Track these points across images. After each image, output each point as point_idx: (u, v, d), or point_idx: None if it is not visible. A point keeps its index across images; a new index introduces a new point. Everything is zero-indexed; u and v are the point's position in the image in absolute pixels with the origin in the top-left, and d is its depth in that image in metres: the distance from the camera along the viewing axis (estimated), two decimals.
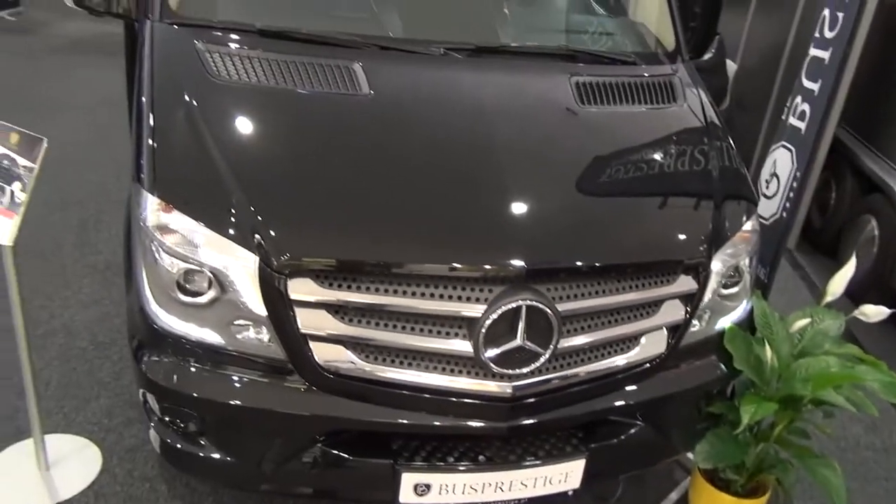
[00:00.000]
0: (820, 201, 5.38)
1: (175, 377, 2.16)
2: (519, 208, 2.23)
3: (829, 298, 2.66)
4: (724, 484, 2.79)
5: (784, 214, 3.05)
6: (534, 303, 2.07)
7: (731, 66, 6.43)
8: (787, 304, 4.37)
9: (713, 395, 2.64)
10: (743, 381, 2.68)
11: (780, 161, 3.09)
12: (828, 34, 2.85)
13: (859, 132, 5.07)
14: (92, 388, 3.21)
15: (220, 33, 2.55)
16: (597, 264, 2.20)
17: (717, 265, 2.44)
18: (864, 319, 2.68)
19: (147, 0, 2.61)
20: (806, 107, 2.94)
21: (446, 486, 2.23)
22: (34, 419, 2.70)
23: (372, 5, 2.84)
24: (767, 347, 2.59)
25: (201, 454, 2.24)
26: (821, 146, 2.91)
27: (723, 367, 2.56)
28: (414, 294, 2.07)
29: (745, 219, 2.59)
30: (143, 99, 2.36)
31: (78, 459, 2.85)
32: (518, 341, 2.09)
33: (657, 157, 2.60)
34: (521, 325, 2.09)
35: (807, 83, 2.94)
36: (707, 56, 3.38)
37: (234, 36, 2.56)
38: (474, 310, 2.08)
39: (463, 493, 2.26)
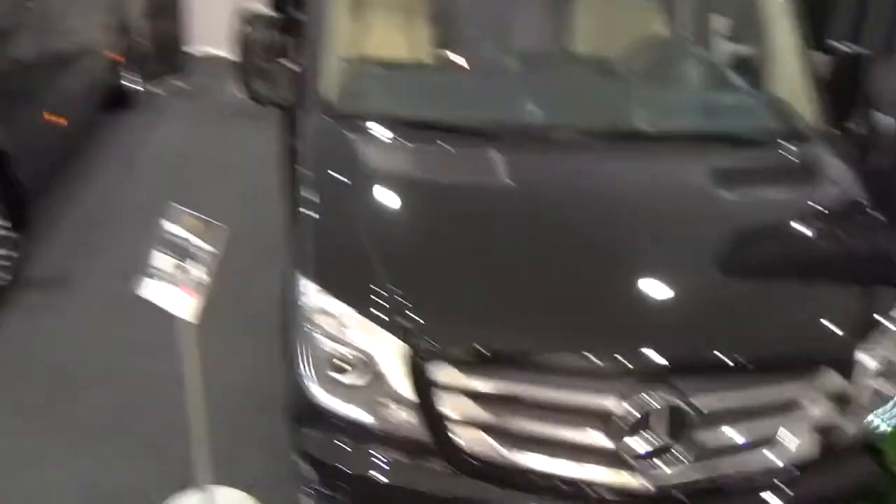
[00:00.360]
0: None
1: (327, 451, 2.33)
2: (657, 301, 2.27)
3: None
4: None
5: None
6: (667, 397, 2.10)
7: None
8: None
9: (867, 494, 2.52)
10: None
11: None
12: None
13: None
14: (252, 445, 3.46)
15: (371, 126, 2.77)
16: (735, 360, 2.19)
17: (865, 359, 2.36)
18: None
19: (305, 94, 2.87)
20: None
21: None
22: (203, 472, 2.96)
23: (512, 91, 2.98)
24: None
25: None
26: None
27: (875, 468, 2.45)
28: (554, 386, 2.15)
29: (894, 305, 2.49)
30: (302, 188, 2.60)
31: None
32: (657, 438, 2.12)
33: (795, 243, 2.58)
34: (660, 421, 2.11)
35: None
36: (854, 125, 3.24)
37: (383, 128, 2.76)
38: (613, 404, 2.13)
39: None
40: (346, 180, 2.56)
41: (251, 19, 2.89)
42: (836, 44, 3.15)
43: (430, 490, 2.26)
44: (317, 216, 2.49)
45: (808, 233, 2.62)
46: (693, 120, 3.06)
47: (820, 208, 2.70)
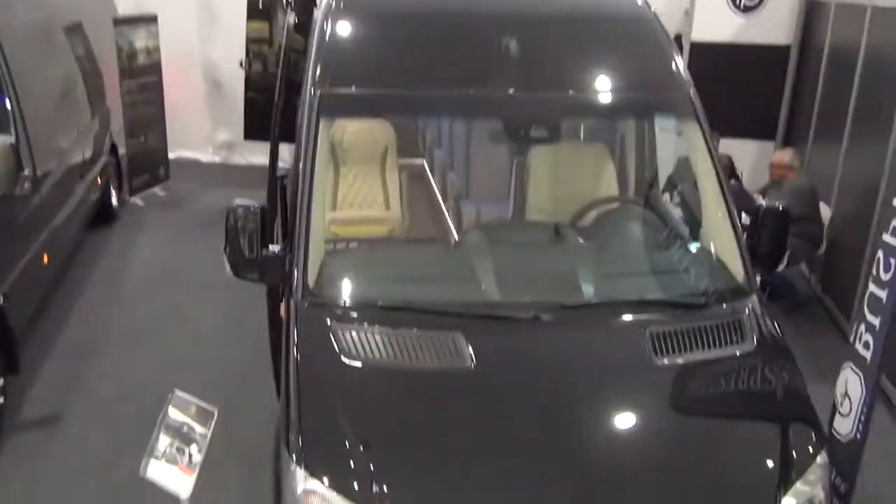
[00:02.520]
0: None
1: None
2: (597, 477, 2.61)
3: None
4: None
5: (858, 436, 3.25)
6: None
7: (826, 212, 6.58)
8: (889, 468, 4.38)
9: None
10: None
11: (851, 383, 3.31)
12: (883, 276, 3.12)
13: None
14: None
15: (349, 312, 3.11)
16: None
17: (788, 502, 2.70)
18: None
19: (289, 280, 3.20)
20: (869, 338, 3.18)
21: None
22: None
23: (476, 272, 3.33)
24: None
25: None
26: (878, 379, 3.13)
27: None
28: None
29: (813, 453, 2.83)
30: (290, 372, 2.91)
31: None
32: None
33: (724, 403, 2.92)
34: None
35: (869, 317, 3.19)
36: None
37: (359, 314, 3.10)
38: None
39: None
40: (327, 370, 2.88)
41: (239, 210, 3.23)
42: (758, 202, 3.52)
43: None
44: (304, 404, 2.80)
45: (734, 389, 2.97)
46: (636, 288, 3.38)
47: (744, 365, 3.04)
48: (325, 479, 2.59)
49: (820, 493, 2.78)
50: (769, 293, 6.60)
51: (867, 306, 3.21)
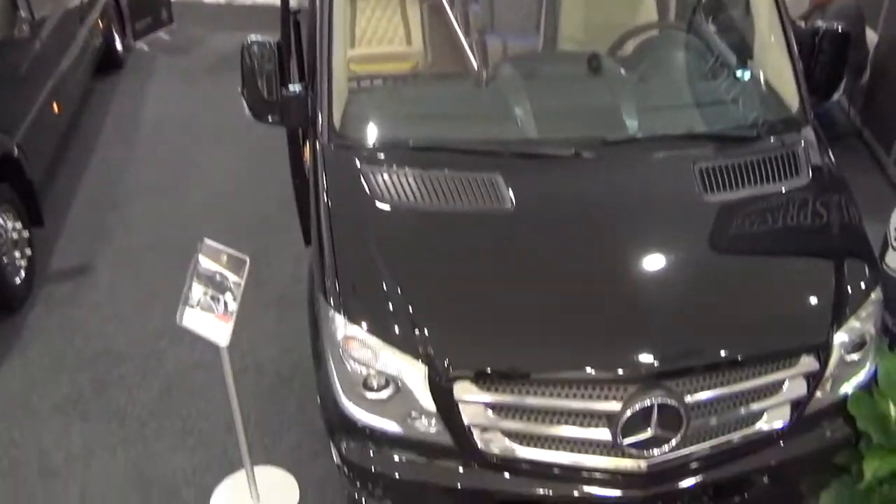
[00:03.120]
0: None
1: (363, 456, 2.64)
2: (648, 311, 2.52)
3: None
4: None
5: None
6: (664, 400, 2.39)
7: (872, 37, 6.19)
8: None
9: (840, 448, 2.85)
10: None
11: None
12: None
13: None
14: (282, 422, 3.80)
15: (378, 153, 2.95)
16: (721, 359, 2.47)
17: (840, 338, 2.64)
18: None
19: (314, 121, 3.02)
20: None
21: None
22: (245, 456, 3.29)
23: (510, 109, 3.12)
24: (891, 405, 2.77)
25: None
26: None
27: (846, 427, 2.77)
28: (559, 395, 2.44)
29: (867, 290, 2.74)
30: (321, 219, 2.80)
31: (280, 489, 3.45)
32: (650, 432, 2.42)
33: (778, 238, 2.79)
34: (653, 419, 2.41)
35: None
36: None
37: (390, 155, 2.94)
38: (612, 406, 2.42)
39: None
40: (361, 214, 2.76)
41: (254, 48, 3.00)
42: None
43: (452, 484, 2.58)
44: (340, 250, 2.71)
45: (789, 228, 2.83)
46: (682, 122, 3.17)
47: (798, 200, 2.90)
48: (365, 325, 2.54)
49: (871, 330, 2.73)
50: None
51: None
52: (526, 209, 2.76)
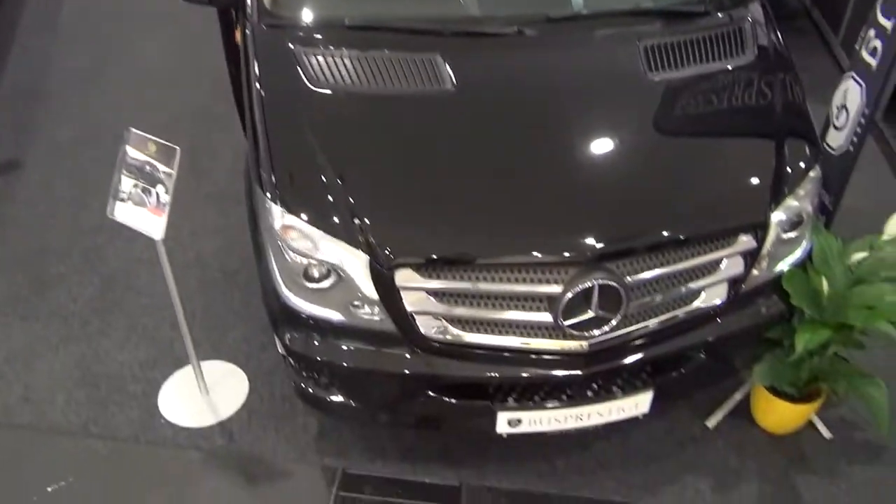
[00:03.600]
0: None
1: (310, 347, 2.63)
2: (587, 193, 2.50)
3: (886, 237, 2.85)
4: (781, 391, 3.16)
5: (851, 149, 3.16)
6: (604, 281, 2.41)
7: None
8: (869, 186, 4.45)
9: (774, 322, 2.93)
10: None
11: (850, 94, 3.15)
12: None
13: None
14: (228, 316, 3.78)
15: (312, 33, 2.78)
16: (660, 240, 2.48)
17: (778, 216, 2.67)
18: None
19: (245, 1, 2.83)
20: (878, 43, 2.96)
21: (534, 419, 2.70)
22: (191, 350, 3.27)
23: None
24: (824, 281, 2.84)
25: (331, 399, 2.76)
26: (887, 89, 2.97)
27: (780, 303, 2.85)
28: (500, 280, 2.43)
29: (806, 169, 2.76)
30: (254, 105, 2.67)
31: (229, 383, 3.46)
32: (591, 313, 2.45)
33: (721, 118, 2.76)
34: (594, 300, 2.43)
35: (881, 19, 2.94)
36: None
37: (325, 35, 2.78)
38: (553, 289, 2.43)
39: (549, 423, 2.73)
40: (295, 99, 2.63)
41: None
42: None
43: (400, 370, 2.60)
44: (274, 137, 2.60)
45: (732, 108, 2.80)
46: None
47: (743, 78, 2.85)
48: (303, 215, 2.48)
49: (808, 207, 2.76)
50: None
51: (881, 7, 2.94)
52: (467, 90, 2.67)
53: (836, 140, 3.25)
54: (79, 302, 3.83)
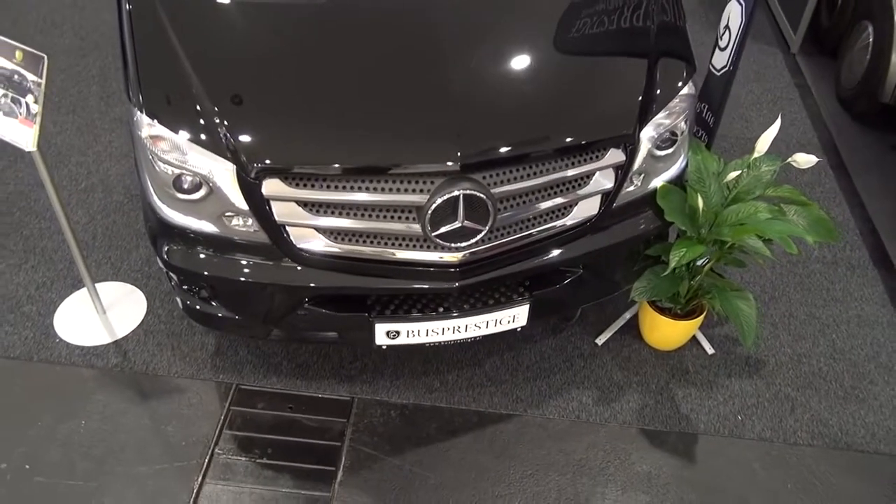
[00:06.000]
0: (829, 0, 5.29)
1: (187, 260, 2.64)
2: (456, 106, 2.51)
3: (756, 155, 2.92)
4: (666, 308, 3.27)
5: (731, 67, 3.21)
6: (469, 191, 2.44)
7: None
8: (779, 112, 4.57)
9: (652, 240, 3.01)
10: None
11: (733, 15, 3.18)
12: None
13: None
14: (131, 238, 3.76)
15: None
16: (524, 152, 2.51)
17: (648, 132, 2.71)
18: (796, 166, 2.94)
19: None
20: None
21: (412, 331, 2.76)
22: (83, 270, 3.26)
23: None
24: (699, 199, 2.91)
25: (215, 314, 2.79)
26: (757, 5, 3.00)
27: (657, 219, 2.91)
28: (367, 189, 2.45)
29: (680, 84, 2.80)
30: (122, 16, 2.62)
31: (127, 303, 3.47)
32: (458, 223, 2.49)
33: (596, 36, 2.77)
34: (460, 210, 2.46)
35: None
36: None
37: None
38: (419, 199, 2.46)
39: (427, 335, 2.79)
40: (164, 5, 2.58)
41: None
42: None
43: (277, 281, 2.62)
44: (141, 45, 2.56)
45: (605, 19, 2.81)
46: None
47: (622, 1, 2.86)
48: (169, 124, 2.46)
49: (681, 124, 2.81)
50: None
51: None
52: (339, 1, 2.64)
53: (721, 61, 3.29)
54: None
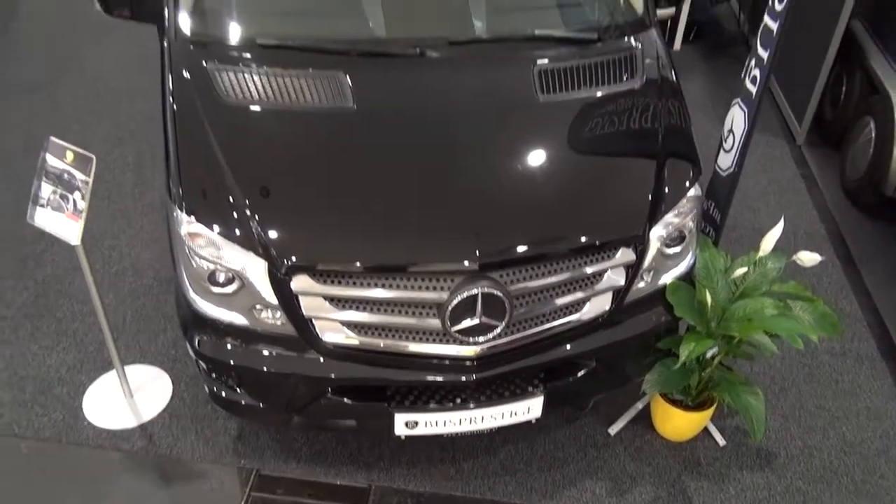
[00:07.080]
0: (832, 95, 5.49)
1: (216, 350, 2.77)
2: (474, 207, 2.67)
3: (761, 254, 3.04)
4: (677, 399, 3.34)
5: (736, 168, 3.37)
6: (487, 290, 2.57)
7: None
8: (785, 203, 4.68)
9: (662, 333, 3.12)
10: None
11: (736, 119, 3.36)
12: (777, 6, 3.03)
13: (872, 26, 5.09)
14: (159, 321, 3.90)
15: (225, 51, 2.95)
16: (539, 253, 2.65)
17: (658, 232, 2.86)
18: (800, 264, 3.06)
19: (164, 18, 3.00)
20: (757, 73, 3.17)
21: (430, 421, 2.85)
22: (113, 353, 3.39)
23: (359, 6, 3.15)
24: (707, 294, 3.03)
25: (240, 401, 2.90)
26: (759, 112, 3.19)
27: (666, 314, 3.03)
28: (391, 287, 2.59)
29: (687, 185, 2.95)
30: (167, 118, 2.83)
31: (153, 386, 3.58)
32: (476, 320, 2.61)
33: (605, 140, 2.95)
34: (478, 307, 2.60)
35: (760, 50, 3.15)
36: None
37: (238, 53, 2.95)
38: (440, 297, 2.59)
39: (444, 426, 2.88)
40: (205, 113, 2.79)
41: None
42: None
43: (301, 372, 2.74)
44: (184, 148, 2.75)
45: (617, 128, 2.99)
46: (528, 24, 3.25)
47: (629, 102, 3.04)
48: (207, 222, 2.63)
49: (690, 224, 2.95)
50: (695, 33, 6.54)
51: (760, 39, 3.16)
52: (367, 108, 2.84)
53: (726, 162, 3.46)
54: (12, 307, 3.94)
